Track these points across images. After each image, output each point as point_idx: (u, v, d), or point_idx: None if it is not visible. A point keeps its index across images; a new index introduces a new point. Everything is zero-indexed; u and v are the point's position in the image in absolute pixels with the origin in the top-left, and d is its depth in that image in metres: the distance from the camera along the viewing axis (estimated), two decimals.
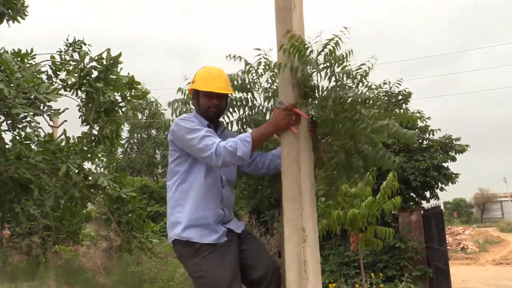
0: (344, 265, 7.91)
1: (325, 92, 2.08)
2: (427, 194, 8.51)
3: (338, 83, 2.05)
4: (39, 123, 5.05)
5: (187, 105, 2.60)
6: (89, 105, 4.88)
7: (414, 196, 8.41)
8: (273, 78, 2.44)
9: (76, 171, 4.36)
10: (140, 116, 19.38)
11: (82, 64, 4.71)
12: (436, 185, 8.25)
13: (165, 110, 19.49)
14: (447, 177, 8.15)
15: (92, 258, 10.24)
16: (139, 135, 19.93)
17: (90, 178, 4.70)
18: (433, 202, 8.55)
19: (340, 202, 4.68)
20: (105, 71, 4.70)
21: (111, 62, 4.68)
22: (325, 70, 2.09)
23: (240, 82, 2.50)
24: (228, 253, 2.18)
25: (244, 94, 2.52)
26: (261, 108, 2.50)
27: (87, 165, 4.76)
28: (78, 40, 5.17)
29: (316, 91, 2.12)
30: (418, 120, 6.66)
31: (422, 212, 8.14)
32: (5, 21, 5.11)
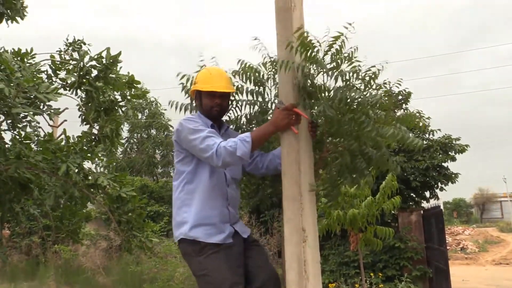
0: (344, 265, 7.91)
1: (331, 93, 2.07)
2: (427, 194, 8.51)
3: (346, 83, 2.04)
4: (39, 123, 5.05)
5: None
6: (89, 104, 4.88)
7: (414, 196, 8.41)
8: None
9: (76, 170, 4.35)
10: (140, 116, 19.38)
11: (81, 63, 4.71)
12: (436, 185, 8.25)
13: (165, 110, 19.51)
14: (447, 177, 8.15)
15: (92, 258, 10.24)
16: (139, 135, 19.92)
17: (90, 177, 4.70)
18: (432, 202, 8.56)
19: (340, 202, 4.68)
20: (104, 70, 4.69)
21: (111, 61, 4.67)
22: (332, 69, 2.07)
23: (255, 75, 2.47)
24: (233, 255, 2.19)
25: (257, 87, 2.50)
26: (269, 105, 2.48)
27: (87, 164, 4.76)
28: (78, 40, 5.17)
29: (321, 91, 2.11)
30: (420, 121, 6.64)
31: (422, 212, 8.14)
32: (4, 21, 5.11)
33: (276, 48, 2.21)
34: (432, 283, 7.61)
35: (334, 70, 2.06)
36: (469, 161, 28.83)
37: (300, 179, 2.09)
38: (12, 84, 3.75)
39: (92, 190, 4.83)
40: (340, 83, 2.07)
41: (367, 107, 1.97)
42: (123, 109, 5.09)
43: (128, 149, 19.77)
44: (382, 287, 7.14)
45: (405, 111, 7.75)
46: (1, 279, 9.66)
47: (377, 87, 2.11)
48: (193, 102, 2.53)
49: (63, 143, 4.69)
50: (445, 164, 8.12)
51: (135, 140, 20.06)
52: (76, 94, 4.90)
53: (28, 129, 4.58)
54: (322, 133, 2.21)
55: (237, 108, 2.58)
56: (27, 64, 4.66)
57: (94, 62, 4.72)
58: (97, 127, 4.98)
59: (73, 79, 4.71)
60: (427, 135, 8.27)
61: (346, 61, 2.05)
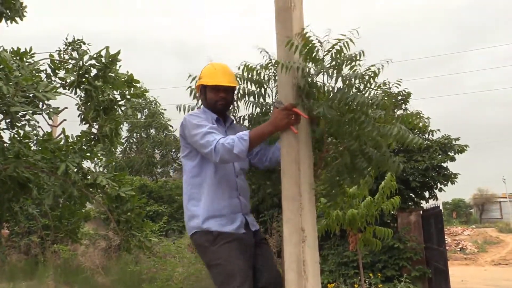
0: (343, 265, 7.90)
1: (331, 93, 2.07)
2: (426, 194, 8.50)
3: (346, 83, 2.03)
4: (38, 122, 5.02)
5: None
6: (88, 103, 4.86)
7: (413, 196, 8.40)
8: None
9: (75, 170, 4.34)
10: (139, 115, 19.39)
11: (81, 62, 4.70)
12: (435, 186, 8.25)
13: (165, 109, 19.52)
14: (446, 177, 8.14)
15: (91, 258, 10.23)
16: (138, 134, 19.93)
17: (89, 177, 4.69)
18: (432, 203, 8.55)
19: (339, 202, 4.67)
20: (104, 69, 4.67)
21: (110, 60, 4.66)
22: (332, 70, 2.07)
23: (256, 76, 2.49)
24: (245, 246, 2.23)
25: (258, 88, 2.52)
26: (268, 107, 2.49)
27: (86, 164, 4.76)
28: (77, 39, 5.16)
29: (321, 91, 2.10)
30: (420, 121, 6.63)
31: (421, 212, 8.13)
32: (3, 21, 5.09)
33: (276, 48, 2.21)
34: (431, 284, 7.61)
35: (334, 70, 2.05)
36: (469, 161, 28.87)
37: (299, 179, 2.09)
38: (11, 83, 3.75)
39: (91, 189, 4.82)
40: (340, 83, 2.07)
41: (367, 107, 1.96)
42: (123, 108, 5.08)
43: (127, 148, 19.78)
44: (381, 287, 7.13)
45: (405, 111, 7.76)
46: (0, 279, 9.64)
47: (377, 87, 2.10)
48: (198, 96, 2.56)
49: (62, 142, 4.68)
50: (444, 165, 8.12)
51: (134, 139, 20.07)
52: (75, 93, 4.89)
53: (27, 128, 4.55)
54: (322, 133, 2.20)
55: (238, 109, 2.60)
56: (26, 63, 4.65)
57: (93, 61, 4.71)
58: (97, 127, 4.97)
59: (72, 78, 4.69)
60: (426, 135, 8.27)
61: (347, 62, 2.04)
